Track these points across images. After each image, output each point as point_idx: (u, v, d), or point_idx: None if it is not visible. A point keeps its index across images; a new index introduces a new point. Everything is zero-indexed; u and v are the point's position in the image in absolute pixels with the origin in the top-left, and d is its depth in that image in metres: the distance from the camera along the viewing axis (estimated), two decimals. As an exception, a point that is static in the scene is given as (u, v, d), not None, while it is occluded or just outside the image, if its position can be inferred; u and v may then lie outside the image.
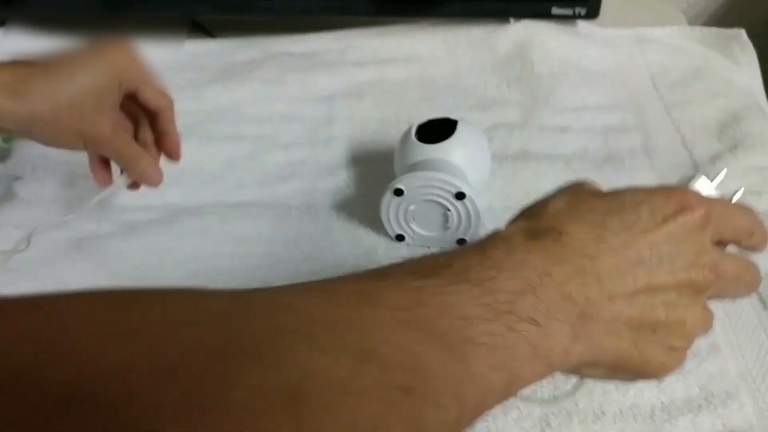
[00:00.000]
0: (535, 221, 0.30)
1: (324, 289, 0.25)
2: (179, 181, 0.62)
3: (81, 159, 0.55)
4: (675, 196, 0.30)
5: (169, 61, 0.79)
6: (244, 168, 0.65)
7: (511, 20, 0.77)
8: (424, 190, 0.51)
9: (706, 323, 0.32)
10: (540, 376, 0.27)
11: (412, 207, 0.52)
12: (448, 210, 0.51)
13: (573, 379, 0.44)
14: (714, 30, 0.78)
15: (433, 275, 0.26)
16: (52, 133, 0.45)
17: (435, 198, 0.51)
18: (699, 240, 0.29)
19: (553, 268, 0.27)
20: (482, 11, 0.76)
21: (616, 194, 0.31)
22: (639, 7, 0.90)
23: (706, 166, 0.61)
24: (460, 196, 0.50)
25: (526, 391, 0.36)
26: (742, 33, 0.77)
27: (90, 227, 0.58)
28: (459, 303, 0.25)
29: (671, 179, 0.61)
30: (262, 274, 0.55)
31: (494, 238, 0.29)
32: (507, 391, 0.26)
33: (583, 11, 0.74)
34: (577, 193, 0.31)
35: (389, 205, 0.53)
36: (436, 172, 0.50)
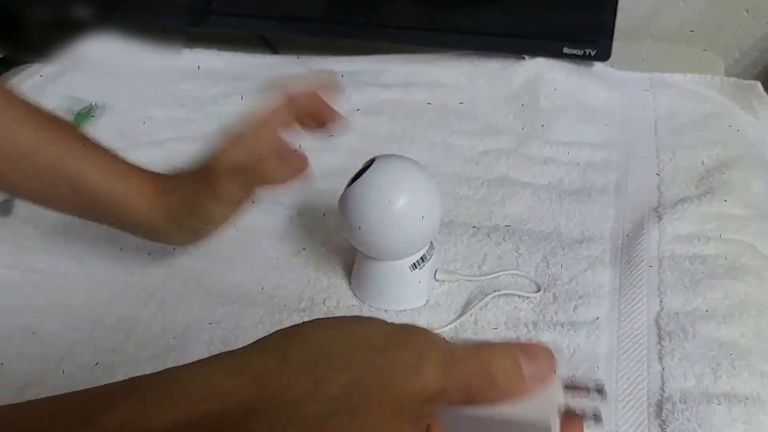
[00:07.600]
0: None
1: None
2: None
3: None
4: None
5: (227, 69, 0.92)
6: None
7: (526, 57, 0.81)
8: None
9: None
10: None
11: None
12: None
13: None
14: (732, 80, 0.78)
15: None
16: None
17: None
18: None
19: None
20: (500, 47, 0.82)
21: None
22: (680, 54, 0.91)
23: (666, 209, 0.63)
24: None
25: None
26: (758, 85, 0.76)
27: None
28: None
29: (630, 218, 0.64)
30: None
31: None
32: None
33: (593, 52, 0.78)
34: None
35: None
36: None
